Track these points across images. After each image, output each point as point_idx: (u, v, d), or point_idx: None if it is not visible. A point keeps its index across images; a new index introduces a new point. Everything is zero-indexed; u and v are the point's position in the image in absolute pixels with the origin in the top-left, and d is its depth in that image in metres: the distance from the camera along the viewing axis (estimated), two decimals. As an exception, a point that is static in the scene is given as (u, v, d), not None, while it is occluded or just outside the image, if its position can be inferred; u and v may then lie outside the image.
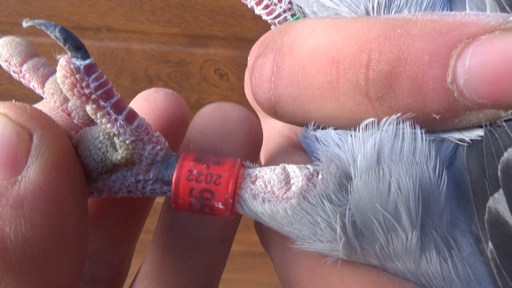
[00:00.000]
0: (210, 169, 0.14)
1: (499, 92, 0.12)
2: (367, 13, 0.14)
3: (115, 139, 0.14)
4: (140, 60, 0.48)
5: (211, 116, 0.17)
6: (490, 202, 0.13)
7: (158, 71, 0.49)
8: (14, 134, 0.11)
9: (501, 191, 0.12)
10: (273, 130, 0.21)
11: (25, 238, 0.11)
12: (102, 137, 0.14)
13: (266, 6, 0.17)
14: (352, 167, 0.14)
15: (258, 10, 0.17)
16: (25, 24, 0.13)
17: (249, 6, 0.17)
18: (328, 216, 0.13)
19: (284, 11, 0.17)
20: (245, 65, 0.55)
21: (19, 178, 0.11)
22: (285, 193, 0.13)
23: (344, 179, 0.14)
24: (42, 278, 0.11)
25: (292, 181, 0.14)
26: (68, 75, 0.13)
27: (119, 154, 0.14)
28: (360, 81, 0.13)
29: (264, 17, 0.17)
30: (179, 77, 0.50)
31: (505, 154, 0.12)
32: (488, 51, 0.12)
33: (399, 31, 0.12)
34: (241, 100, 0.54)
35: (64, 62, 0.13)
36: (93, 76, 0.13)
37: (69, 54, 0.13)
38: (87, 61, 0.13)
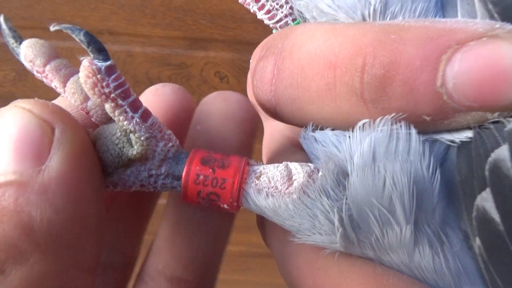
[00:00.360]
0: (216, 173, 0.15)
1: (485, 96, 0.12)
2: (364, 19, 0.14)
3: (131, 135, 0.15)
4: (141, 63, 0.49)
5: (215, 101, 0.19)
6: (478, 200, 0.13)
7: (159, 74, 0.50)
8: (38, 128, 0.12)
9: (488, 190, 0.13)
10: (274, 131, 0.21)
11: (49, 221, 0.12)
12: (119, 134, 0.15)
13: (268, 11, 0.17)
14: (349, 164, 0.14)
15: (260, 15, 0.17)
16: (53, 28, 0.14)
17: (251, 11, 0.18)
18: (327, 210, 0.14)
19: (285, 16, 0.17)
20: (244, 68, 0.55)
21: (43, 168, 0.12)
22: (287, 188, 0.14)
23: (341, 176, 0.14)
24: (66, 258, 0.12)
25: (294, 178, 0.14)
26: (90, 75, 0.14)
27: (135, 150, 0.15)
28: (355, 84, 0.13)
29: (266, 21, 0.18)
30: (179, 79, 0.50)
31: (492, 155, 0.13)
32: (475, 56, 0.12)
33: (392, 36, 0.13)
34: (241, 102, 0.55)
35: (87, 63, 0.14)
36: (113, 76, 0.14)
37: (92, 56, 0.14)
38: (108, 63, 0.14)
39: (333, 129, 0.16)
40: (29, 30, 0.47)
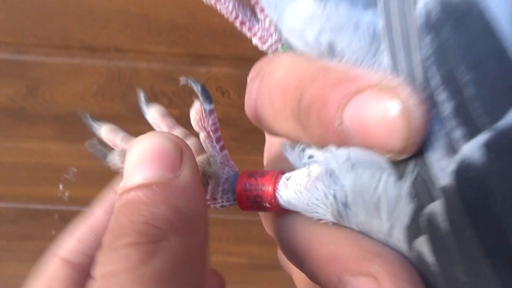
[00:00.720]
0: (257, 180, 0.19)
1: (369, 142, 0.14)
2: (322, 56, 0.16)
3: (211, 159, 0.20)
4: (147, 79, 0.51)
5: None
6: (416, 243, 0.15)
7: (164, 89, 0.52)
8: (173, 148, 0.17)
9: (424, 237, 0.14)
10: (274, 140, 0.24)
11: (187, 209, 0.16)
12: (204, 158, 0.20)
13: (261, 38, 0.20)
14: (339, 171, 0.16)
15: (255, 40, 0.21)
16: (182, 81, 0.19)
17: (248, 37, 0.20)
18: (327, 192, 0.17)
19: (275, 42, 0.20)
20: (245, 83, 0.57)
21: (179, 174, 0.16)
22: (307, 182, 0.18)
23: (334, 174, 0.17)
24: (200, 238, 0.16)
25: (312, 174, 0.18)
26: (198, 112, 0.19)
27: (213, 169, 0.20)
28: (295, 110, 0.16)
29: (260, 46, 0.20)
30: (183, 94, 0.52)
31: (428, 208, 0.14)
32: (363, 105, 0.14)
33: (320, 75, 0.15)
34: (242, 115, 0.56)
35: (198, 104, 0.19)
36: (212, 116, 0.19)
37: (201, 99, 0.19)
38: (211, 106, 0.19)
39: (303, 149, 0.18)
40: (41, 48, 0.49)
